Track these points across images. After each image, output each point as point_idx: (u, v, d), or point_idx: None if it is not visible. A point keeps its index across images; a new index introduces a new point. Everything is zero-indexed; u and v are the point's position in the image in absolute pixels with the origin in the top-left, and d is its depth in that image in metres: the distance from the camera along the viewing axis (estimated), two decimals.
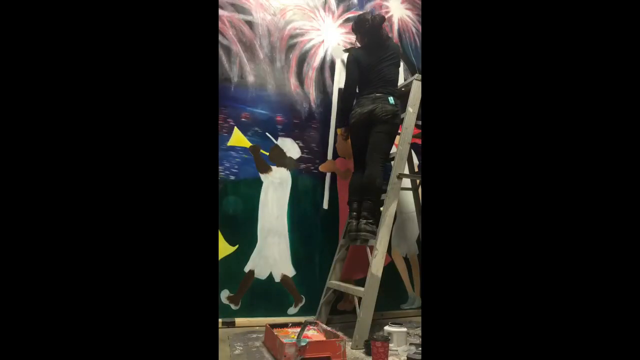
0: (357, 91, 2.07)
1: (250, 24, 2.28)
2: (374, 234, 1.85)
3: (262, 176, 2.20)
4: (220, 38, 2.19)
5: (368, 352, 1.53)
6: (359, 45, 2.17)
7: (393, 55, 2.03)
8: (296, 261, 2.21)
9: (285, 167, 2.25)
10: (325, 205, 2.32)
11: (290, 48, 2.36)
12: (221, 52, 2.18)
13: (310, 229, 2.27)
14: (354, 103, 2.07)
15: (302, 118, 2.33)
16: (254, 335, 1.83)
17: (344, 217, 2.31)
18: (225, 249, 2.07)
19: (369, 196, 1.93)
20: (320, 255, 2.26)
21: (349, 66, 2.09)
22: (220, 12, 2.20)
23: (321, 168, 2.34)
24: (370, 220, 1.89)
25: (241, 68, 2.23)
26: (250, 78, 2.24)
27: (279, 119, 2.28)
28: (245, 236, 2.13)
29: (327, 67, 2.43)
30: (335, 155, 2.38)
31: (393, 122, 1.96)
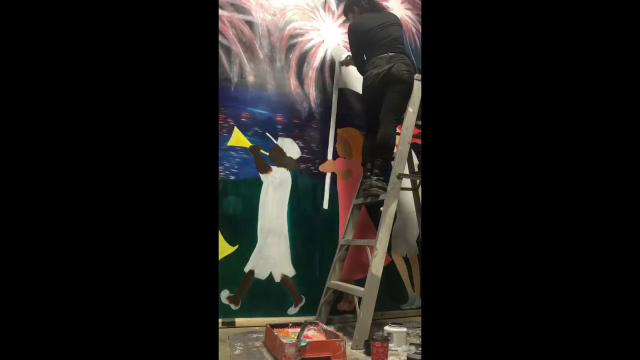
0: (365, 57, 2.11)
1: (250, 24, 2.27)
2: (384, 189, 1.92)
3: (262, 176, 2.20)
4: (220, 38, 2.19)
5: (368, 352, 1.53)
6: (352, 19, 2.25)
7: (393, 19, 2.11)
8: (296, 261, 2.21)
9: (285, 167, 2.25)
10: (325, 205, 2.32)
11: (290, 48, 2.36)
12: (221, 52, 2.18)
13: (310, 229, 2.27)
14: (366, 65, 2.09)
15: (302, 118, 2.33)
16: (254, 335, 1.83)
17: (344, 217, 2.31)
18: (225, 249, 2.07)
19: (381, 154, 1.99)
20: (320, 255, 2.26)
21: (350, 37, 2.19)
22: (220, 12, 2.19)
23: (321, 168, 2.34)
24: (382, 177, 1.98)
25: (241, 68, 2.23)
26: (250, 78, 2.24)
27: (279, 119, 2.28)
28: (245, 236, 2.12)
29: (327, 67, 2.43)
30: (335, 155, 2.38)
31: (409, 82, 1.97)
